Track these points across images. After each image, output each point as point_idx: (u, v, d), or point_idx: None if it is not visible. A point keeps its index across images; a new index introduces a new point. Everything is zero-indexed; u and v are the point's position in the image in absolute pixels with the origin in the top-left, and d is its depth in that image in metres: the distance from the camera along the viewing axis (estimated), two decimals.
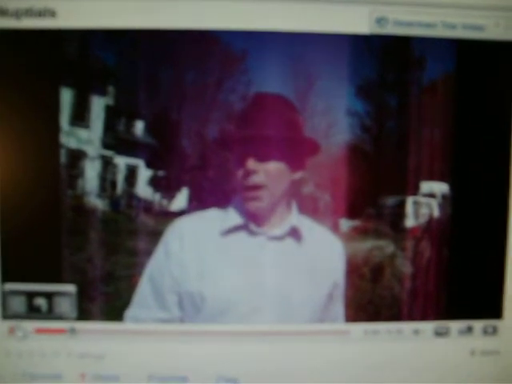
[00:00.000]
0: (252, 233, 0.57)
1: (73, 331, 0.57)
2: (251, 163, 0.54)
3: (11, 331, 0.57)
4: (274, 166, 0.55)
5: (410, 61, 0.57)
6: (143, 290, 0.57)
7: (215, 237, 0.57)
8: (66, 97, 0.55)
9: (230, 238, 0.57)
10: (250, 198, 0.56)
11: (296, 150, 0.56)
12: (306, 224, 0.58)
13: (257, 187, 0.55)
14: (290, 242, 0.58)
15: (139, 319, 0.57)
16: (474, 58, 0.57)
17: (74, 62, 0.55)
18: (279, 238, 0.58)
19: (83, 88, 0.56)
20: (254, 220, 0.57)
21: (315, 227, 0.59)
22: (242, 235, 0.57)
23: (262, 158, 0.55)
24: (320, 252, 0.59)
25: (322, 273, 0.59)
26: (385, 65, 0.56)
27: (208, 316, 0.57)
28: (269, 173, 0.55)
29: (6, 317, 0.57)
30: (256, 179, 0.55)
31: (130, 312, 0.57)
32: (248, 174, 0.55)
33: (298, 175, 0.57)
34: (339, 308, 0.59)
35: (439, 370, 0.59)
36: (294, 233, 0.58)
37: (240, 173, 0.55)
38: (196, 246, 0.57)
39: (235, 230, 0.57)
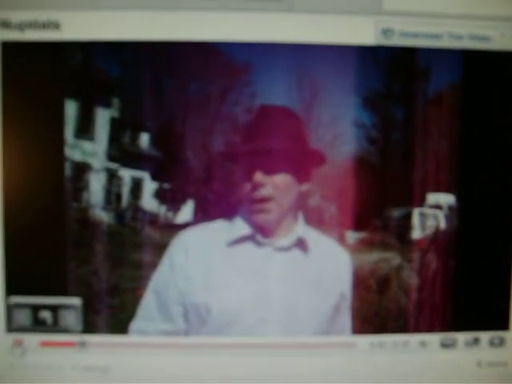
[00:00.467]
0: (258, 243, 0.57)
1: (83, 344, 0.57)
2: (259, 176, 0.54)
3: (16, 344, 0.57)
4: (281, 179, 0.55)
5: (416, 72, 0.56)
6: (148, 302, 0.57)
7: (221, 248, 0.57)
8: (71, 109, 0.55)
9: (236, 248, 0.57)
10: (257, 210, 0.55)
11: (302, 161, 0.56)
12: (312, 235, 0.58)
13: (265, 200, 0.55)
14: (296, 253, 0.58)
15: (144, 331, 0.57)
16: (480, 69, 0.56)
17: (79, 74, 0.55)
18: (286, 249, 0.57)
19: (88, 100, 0.56)
20: (261, 231, 0.57)
21: (322, 238, 0.58)
22: (248, 246, 0.57)
23: (270, 171, 0.54)
24: (327, 263, 0.59)
25: (328, 284, 0.58)
26: (391, 76, 0.56)
27: (214, 328, 0.56)
28: (276, 185, 0.55)
29: (10, 330, 0.57)
30: (264, 192, 0.55)
31: (134, 324, 0.57)
32: (256, 187, 0.54)
33: (305, 187, 0.57)
34: (346, 320, 0.59)
35: (446, 382, 0.59)
36: (301, 244, 0.58)
37: (247, 186, 0.55)
38: (202, 257, 0.57)
39: (242, 240, 0.57)
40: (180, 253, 0.56)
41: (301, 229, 0.58)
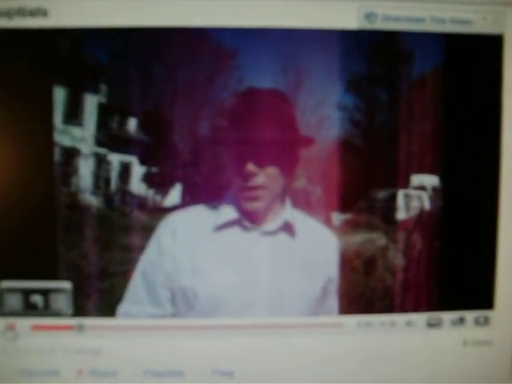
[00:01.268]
0: (245, 228, 0.58)
1: (74, 328, 0.58)
2: (251, 167, 0.55)
3: (8, 328, 0.57)
4: (273, 169, 0.56)
5: (399, 55, 0.57)
6: (136, 285, 0.57)
7: (208, 232, 0.58)
8: (59, 95, 0.56)
9: (223, 233, 0.58)
10: (248, 197, 0.56)
11: (293, 149, 0.57)
12: (299, 218, 0.59)
13: (257, 188, 0.56)
14: (283, 236, 0.59)
15: (131, 315, 0.57)
16: (462, 52, 0.57)
17: (67, 60, 0.56)
18: (272, 233, 0.58)
19: (76, 86, 0.57)
20: (249, 217, 0.58)
21: (309, 221, 0.59)
22: (234, 231, 0.58)
23: (262, 163, 0.55)
24: (314, 246, 0.60)
25: (315, 267, 0.59)
26: (374, 59, 0.57)
27: (201, 312, 0.57)
28: (268, 174, 0.56)
29: (2, 314, 0.57)
30: (257, 181, 0.55)
31: (122, 308, 0.57)
32: (248, 176, 0.55)
33: (296, 173, 0.57)
34: (333, 302, 0.60)
35: (432, 361, 0.60)
36: (287, 227, 0.58)
37: (239, 174, 0.56)
38: (188, 241, 0.57)
39: (229, 225, 0.58)
40: (167, 235, 0.57)
41: (288, 213, 0.58)
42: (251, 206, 0.57)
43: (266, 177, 0.55)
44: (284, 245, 0.59)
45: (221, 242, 0.58)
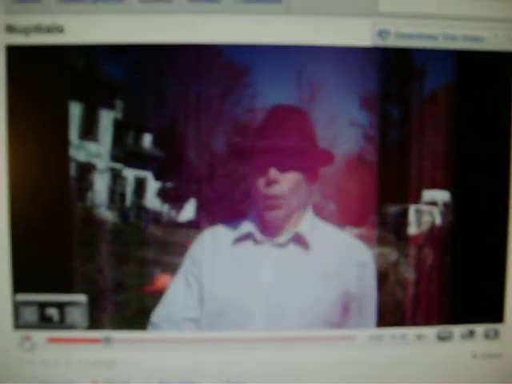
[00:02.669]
0: (257, 241, 0.59)
1: (108, 340, 0.58)
2: (274, 173, 0.56)
3: (24, 340, 0.58)
4: (293, 177, 0.57)
5: (411, 72, 0.58)
6: (174, 290, 0.59)
7: (227, 246, 0.59)
8: (75, 111, 0.56)
9: (239, 246, 0.59)
10: (269, 206, 0.57)
11: (313, 161, 0.58)
12: (322, 229, 0.59)
13: (278, 197, 0.57)
14: (293, 248, 0.59)
15: (168, 318, 0.58)
16: (474, 69, 0.58)
17: (82, 76, 0.56)
18: (282, 245, 0.59)
19: (91, 102, 0.57)
20: (268, 228, 0.58)
21: (336, 233, 0.59)
22: (248, 244, 0.59)
23: (284, 169, 0.56)
24: (332, 259, 0.60)
25: (330, 280, 0.59)
26: (387, 76, 0.57)
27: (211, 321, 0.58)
28: (289, 183, 0.57)
29: (18, 327, 0.58)
30: (278, 189, 0.56)
31: (158, 311, 0.58)
32: (270, 183, 0.56)
33: (314, 186, 0.58)
34: (355, 317, 0.60)
35: (442, 373, 0.61)
36: (298, 239, 0.59)
37: (261, 182, 0.57)
38: (212, 253, 0.59)
39: (242, 238, 0.59)
40: (199, 248, 0.59)
41: (303, 225, 0.59)
42: (272, 214, 0.57)
43: (286, 184, 0.57)
44: (293, 257, 0.59)
45: (236, 254, 0.59)
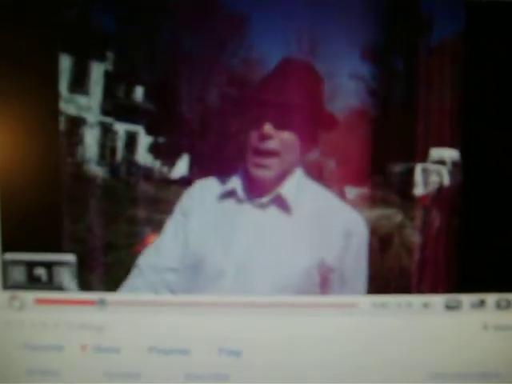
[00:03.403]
0: (239, 200, 0.56)
1: (103, 302, 0.56)
2: (268, 128, 0.53)
3: (12, 300, 0.56)
4: (290, 136, 0.54)
5: (418, 21, 0.54)
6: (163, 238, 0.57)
7: (213, 201, 0.57)
8: (65, 63, 0.54)
9: (223, 203, 0.57)
10: (259, 164, 0.54)
11: (314, 123, 0.55)
12: (312, 191, 0.56)
13: (270, 153, 0.54)
14: (273, 211, 0.56)
15: (152, 265, 0.56)
16: (483, 19, 0.54)
17: (73, 27, 0.54)
18: (262, 206, 0.56)
19: (82, 54, 0.55)
20: (254, 187, 0.56)
21: (325, 195, 0.56)
22: (231, 201, 0.56)
23: (280, 126, 0.53)
24: (316, 224, 0.56)
25: (305, 248, 0.56)
26: (392, 25, 0.54)
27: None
28: (284, 141, 0.53)
29: (6, 287, 0.56)
30: (271, 145, 0.53)
31: (142, 258, 0.56)
32: (263, 138, 0.53)
33: (311, 149, 0.55)
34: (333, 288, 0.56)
35: (450, 345, 0.57)
36: (280, 202, 0.56)
37: (255, 136, 0.54)
38: (199, 207, 0.57)
39: (226, 195, 0.56)
40: (188, 199, 0.57)
41: (287, 187, 0.56)
42: (259, 173, 0.54)
43: (280, 143, 0.53)
44: (271, 220, 0.56)
45: (218, 211, 0.57)
